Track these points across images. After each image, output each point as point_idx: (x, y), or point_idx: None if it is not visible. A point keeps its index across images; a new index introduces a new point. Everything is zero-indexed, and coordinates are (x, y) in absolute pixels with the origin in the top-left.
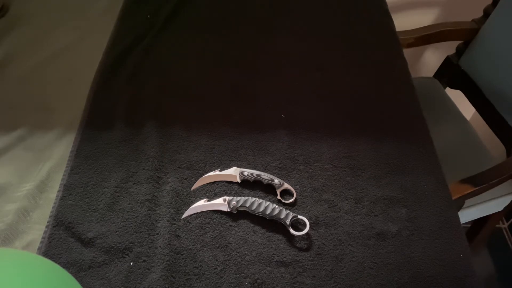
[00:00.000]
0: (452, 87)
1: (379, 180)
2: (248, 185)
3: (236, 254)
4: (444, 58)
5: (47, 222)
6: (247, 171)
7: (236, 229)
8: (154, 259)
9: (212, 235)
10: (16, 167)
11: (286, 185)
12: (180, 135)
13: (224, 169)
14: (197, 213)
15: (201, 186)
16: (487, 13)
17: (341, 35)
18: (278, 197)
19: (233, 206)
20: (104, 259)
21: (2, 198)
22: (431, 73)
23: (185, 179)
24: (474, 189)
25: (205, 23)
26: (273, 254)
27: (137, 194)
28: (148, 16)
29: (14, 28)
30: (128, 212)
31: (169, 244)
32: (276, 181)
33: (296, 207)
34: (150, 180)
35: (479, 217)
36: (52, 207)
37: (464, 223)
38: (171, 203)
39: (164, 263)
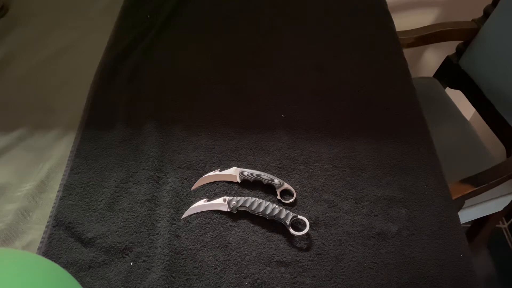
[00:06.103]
0: (452, 87)
1: (379, 180)
2: (248, 185)
3: (236, 254)
4: (444, 58)
5: (47, 222)
6: (247, 171)
7: (236, 229)
8: (154, 259)
9: (212, 235)
10: (16, 167)
11: (286, 185)
12: (180, 135)
13: (224, 169)
14: (197, 213)
15: (201, 186)
16: (487, 13)
17: (341, 35)
18: (278, 197)
19: (233, 206)
20: (104, 259)
21: (2, 198)
22: (431, 73)
23: (185, 179)
24: (474, 189)
25: (205, 23)
26: (273, 254)
27: (137, 194)
28: (148, 16)
29: (14, 28)
30: (128, 212)
31: (169, 244)
32: (276, 181)
33: (296, 207)
34: (150, 180)
35: (479, 217)
36: (52, 207)
37: (464, 223)
38: (171, 203)
39: (164, 263)
